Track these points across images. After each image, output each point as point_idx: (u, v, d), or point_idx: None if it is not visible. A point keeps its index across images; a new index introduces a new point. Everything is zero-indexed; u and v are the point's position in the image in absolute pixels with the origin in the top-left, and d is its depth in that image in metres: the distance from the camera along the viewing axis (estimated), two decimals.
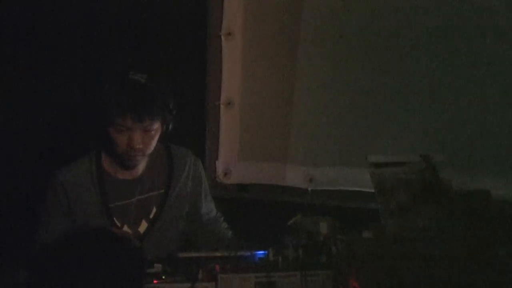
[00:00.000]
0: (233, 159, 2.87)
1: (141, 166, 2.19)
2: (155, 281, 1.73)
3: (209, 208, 2.38)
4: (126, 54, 2.71)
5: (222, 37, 2.74)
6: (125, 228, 2.16)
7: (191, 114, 2.29)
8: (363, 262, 1.63)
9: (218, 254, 1.86)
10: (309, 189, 2.78)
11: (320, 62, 2.71)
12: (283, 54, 2.75)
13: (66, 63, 2.74)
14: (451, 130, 2.56)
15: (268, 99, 2.81)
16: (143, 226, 2.19)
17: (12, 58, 2.70)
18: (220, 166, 2.88)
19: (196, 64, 2.78)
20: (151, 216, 2.20)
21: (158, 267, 1.77)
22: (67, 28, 2.69)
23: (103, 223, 2.11)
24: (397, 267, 1.59)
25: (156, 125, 2.06)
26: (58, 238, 1.66)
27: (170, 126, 2.13)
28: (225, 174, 2.87)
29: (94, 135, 2.15)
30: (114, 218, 2.15)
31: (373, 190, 1.79)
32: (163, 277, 1.75)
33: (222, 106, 2.82)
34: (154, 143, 2.09)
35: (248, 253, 1.85)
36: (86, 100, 2.25)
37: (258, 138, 2.85)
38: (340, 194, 2.75)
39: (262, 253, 1.83)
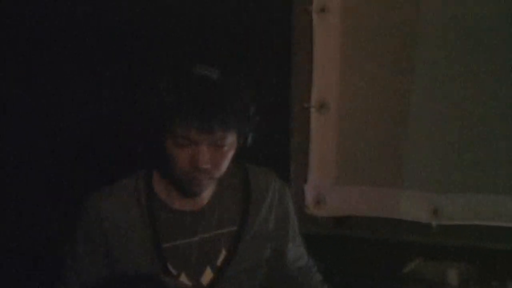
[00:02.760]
0: (328, 183, 2.76)
1: (207, 193, 2.07)
2: None
3: (298, 253, 2.26)
4: (190, 44, 2.66)
5: (314, 15, 2.64)
6: (183, 278, 2.04)
7: (271, 121, 2.14)
8: None
9: None
10: (433, 223, 2.64)
11: (445, 62, 2.59)
12: (397, 42, 2.61)
13: (111, 52, 2.70)
14: None
15: (376, 100, 2.67)
16: (207, 276, 2.06)
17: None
18: (310, 192, 2.78)
19: (277, 53, 2.67)
20: (219, 262, 2.06)
21: None
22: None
23: (153, 271, 1.99)
24: None
25: (231, 139, 1.93)
26: None
27: (249, 140, 2.00)
28: (317, 203, 2.77)
29: (144, 149, 2.06)
30: (168, 264, 2.02)
31: None
32: None
33: (313, 110, 2.71)
34: (226, 162, 1.97)
35: None
36: (135, 102, 2.23)
37: (362, 153, 2.71)
38: (475, 231, 2.61)
39: None
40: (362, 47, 2.66)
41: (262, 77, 2.62)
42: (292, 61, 2.68)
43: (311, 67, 2.68)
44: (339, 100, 2.70)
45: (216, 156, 1.93)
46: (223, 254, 2.07)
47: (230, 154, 1.96)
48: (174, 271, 2.02)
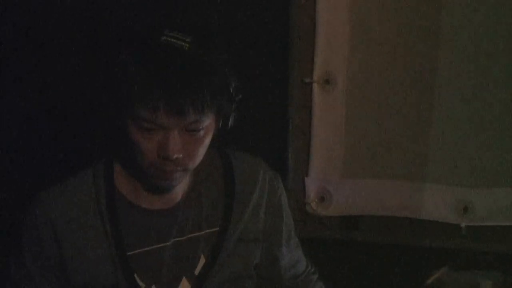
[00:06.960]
0: (333, 175, 2.74)
1: (181, 188, 2.01)
2: None
3: (294, 258, 2.23)
4: (160, 7, 2.56)
5: None
6: None
7: (264, 99, 2.27)
8: None
9: None
10: (463, 225, 2.62)
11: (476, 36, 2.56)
12: (423, 11, 2.57)
13: (62, 18, 2.59)
14: None
15: (393, 75, 2.63)
16: None
17: None
18: (312, 186, 2.75)
19: (273, 14, 2.61)
20: (197, 271, 2.02)
21: None
22: None
23: (117, 284, 1.96)
24: None
25: (208, 121, 1.86)
26: None
27: (230, 122, 1.94)
28: (321, 200, 2.75)
29: (103, 136, 2.07)
30: (136, 275, 1.97)
31: None
32: None
33: (316, 86, 2.65)
34: (203, 150, 1.90)
35: None
36: (92, 78, 2.07)
37: (375, 139, 2.68)
38: None
39: None
40: (377, 7, 2.61)
41: (253, 44, 2.56)
42: (290, 25, 2.63)
43: (314, 33, 2.64)
44: (348, 74, 2.65)
45: (190, 143, 1.86)
46: (202, 261, 2.03)
47: (207, 140, 1.90)
48: (142, 284, 1.97)
